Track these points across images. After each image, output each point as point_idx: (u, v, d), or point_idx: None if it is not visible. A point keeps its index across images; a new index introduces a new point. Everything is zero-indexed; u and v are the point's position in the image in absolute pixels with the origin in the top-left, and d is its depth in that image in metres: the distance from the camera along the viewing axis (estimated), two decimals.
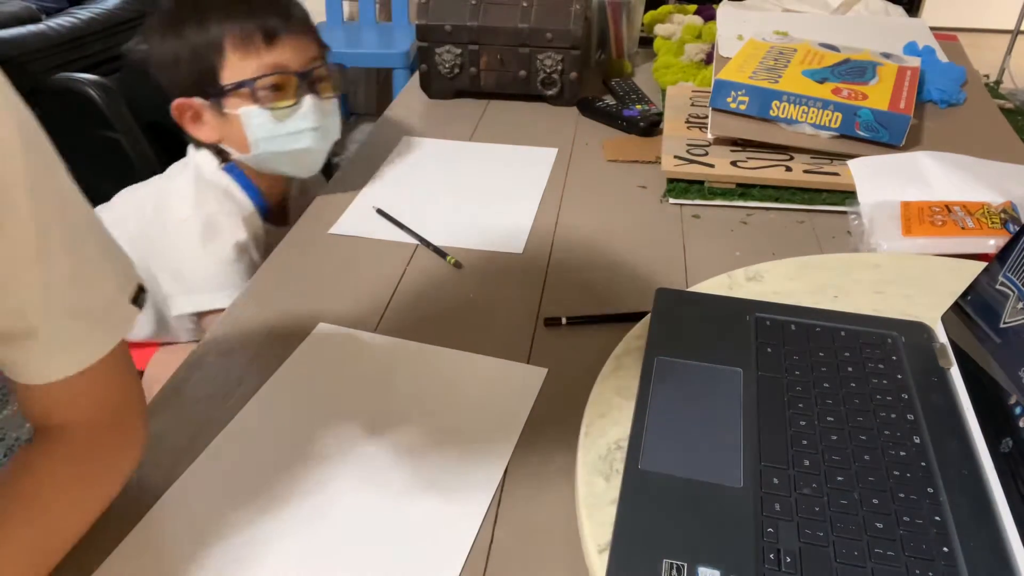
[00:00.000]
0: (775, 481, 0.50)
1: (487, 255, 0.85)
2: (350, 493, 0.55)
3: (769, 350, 0.61)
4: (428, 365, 0.68)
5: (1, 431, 1.63)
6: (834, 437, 0.53)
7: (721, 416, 0.55)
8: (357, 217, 0.92)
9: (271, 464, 0.57)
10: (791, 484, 0.49)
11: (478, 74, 1.24)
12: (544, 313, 0.75)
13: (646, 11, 1.46)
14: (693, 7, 1.51)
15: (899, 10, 1.54)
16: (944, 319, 0.64)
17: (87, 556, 0.50)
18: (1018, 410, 0.52)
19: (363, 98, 3.07)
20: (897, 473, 0.51)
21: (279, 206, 1.03)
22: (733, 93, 1.02)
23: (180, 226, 0.91)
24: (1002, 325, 0.59)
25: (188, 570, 0.49)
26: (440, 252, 0.84)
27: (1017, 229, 0.61)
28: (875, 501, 0.49)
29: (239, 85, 0.86)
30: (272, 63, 0.86)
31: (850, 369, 0.60)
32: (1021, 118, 1.19)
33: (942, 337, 0.64)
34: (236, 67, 0.86)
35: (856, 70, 1.08)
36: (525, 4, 1.19)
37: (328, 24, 2.81)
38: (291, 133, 0.88)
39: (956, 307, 0.63)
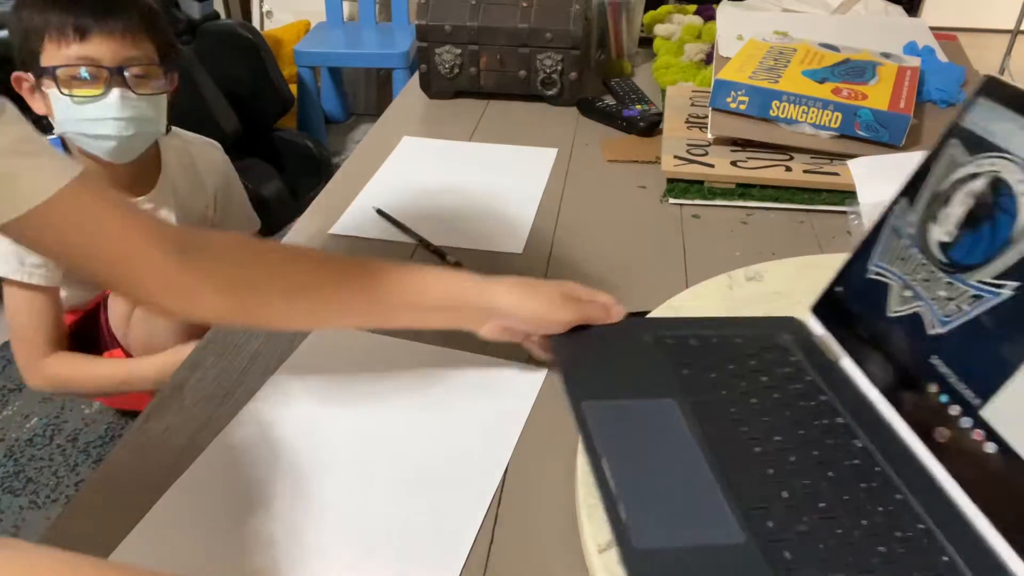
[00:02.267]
0: (769, 525, 0.48)
1: (487, 255, 0.85)
2: (350, 493, 0.55)
3: (686, 372, 0.59)
4: (428, 365, 0.68)
5: (1, 431, 1.63)
6: (792, 459, 0.52)
7: (682, 459, 0.52)
8: (357, 217, 0.92)
9: (271, 464, 0.57)
10: (785, 525, 0.48)
11: (478, 74, 1.24)
12: None
13: (646, 11, 1.46)
14: (693, 7, 1.51)
15: (899, 10, 1.54)
16: (816, 311, 0.65)
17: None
18: (944, 398, 0.53)
19: (363, 98, 3.07)
20: (864, 485, 0.51)
21: (110, 183, 1.07)
22: (733, 93, 1.02)
23: None
24: (891, 314, 0.59)
25: (189, 569, 0.49)
26: (440, 252, 0.84)
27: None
28: (864, 523, 0.48)
29: (48, 70, 0.96)
30: (81, 55, 0.96)
31: (764, 379, 0.59)
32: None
33: (819, 329, 0.64)
34: (51, 54, 0.96)
35: (856, 70, 1.08)
36: (525, 4, 1.19)
37: (328, 24, 2.81)
38: (92, 119, 0.98)
39: (828, 299, 0.64)
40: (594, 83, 1.31)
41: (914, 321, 0.57)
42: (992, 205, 0.55)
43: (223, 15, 2.64)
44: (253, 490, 0.55)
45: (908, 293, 0.59)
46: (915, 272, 0.59)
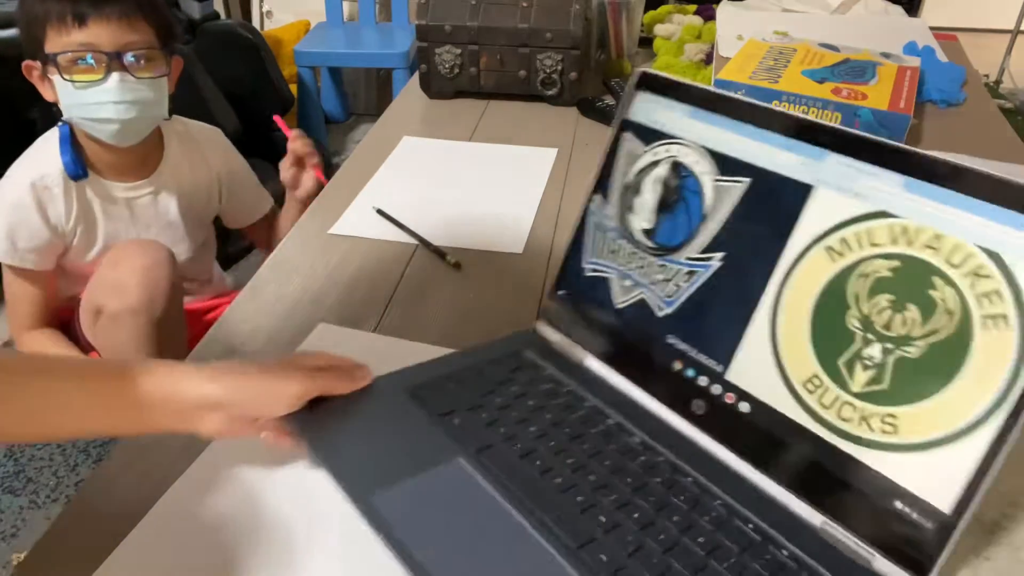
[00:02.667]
0: (603, 558, 0.47)
1: (487, 255, 0.85)
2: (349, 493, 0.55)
3: (457, 422, 0.56)
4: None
5: None
6: (592, 478, 0.52)
7: (494, 521, 0.49)
8: (357, 217, 0.92)
9: (271, 464, 0.57)
10: (616, 550, 0.47)
11: (478, 74, 1.24)
12: None
13: (646, 11, 1.46)
14: (693, 7, 1.51)
15: (899, 10, 1.54)
16: (546, 318, 0.66)
17: (86, 557, 0.50)
18: (690, 372, 0.56)
19: (363, 98, 3.07)
20: (659, 480, 0.52)
21: (114, 167, 1.12)
22: (733, 93, 1.02)
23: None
24: (618, 306, 0.62)
25: (188, 570, 0.49)
26: (440, 252, 0.84)
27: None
28: (676, 519, 0.49)
29: (51, 57, 0.99)
30: (81, 41, 0.98)
31: (531, 402, 0.58)
32: (1021, 118, 1.19)
33: (554, 336, 0.65)
34: (53, 40, 0.99)
35: (856, 70, 1.08)
36: (525, 4, 1.19)
37: (328, 24, 2.81)
38: (92, 103, 1.01)
39: (555, 303, 0.65)
40: (594, 83, 1.31)
41: (642, 307, 0.60)
42: (679, 187, 0.59)
43: (223, 15, 2.64)
44: (253, 491, 0.55)
45: (628, 283, 0.61)
46: (628, 261, 0.61)
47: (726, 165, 0.56)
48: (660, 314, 0.59)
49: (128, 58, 1.00)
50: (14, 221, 1.06)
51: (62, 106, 1.04)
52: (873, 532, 0.48)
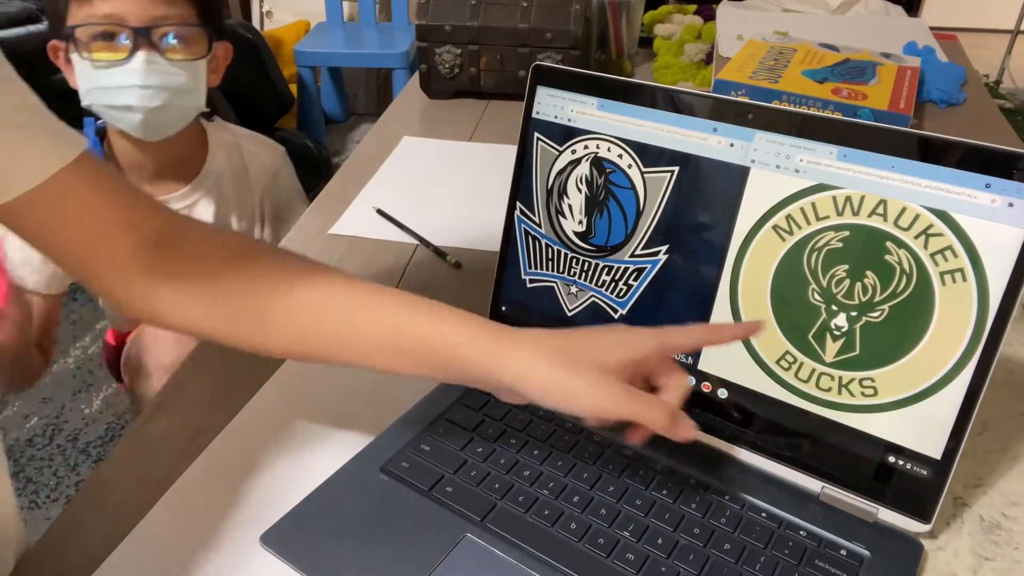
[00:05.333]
0: None
1: (487, 255, 0.85)
2: None
3: (449, 490, 0.52)
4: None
5: (1, 431, 1.63)
6: (620, 518, 0.51)
7: None
8: (357, 217, 0.92)
9: (271, 466, 0.57)
10: None
11: (478, 74, 1.24)
12: None
13: (646, 11, 1.46)
14: (693, 7, 1.51)
15: (899, 10, 1.54)
16: None
17: (86, 557, 0.50)
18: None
19: (363, 98, 3.07)
20: (665, 491, 0.52)
21: (145, 170, 0.98)
22: (733, 93, 1.02)
23: None
24: (571, 313, 0.60)
25: (188, 570, 0.49)
26: (440, 252, 0.84)
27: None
28: (697, 531, 0.49)
29: (69, 31, 0.86)
30: (105, 13, 0.85)
31: (513, 440, 0.56)
32: (1021, 118, 1.19)
33: None
34: (75, 13, 0.86)
35: (856, 70, 1.08)
36: (525, 4, 1.19)
37: (328, 24, 2.81)
38: (113, 87, 0.87)
39: (505, 321, 0.59)
40: None
41: (596, 311, 0.59)
42: (606, 184, 0.57)
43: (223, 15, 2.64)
44: (253, 491, 0.55)
45: (574, 289, 0.60)
46: (570, 267, 0.59)
47: (652, 155, 0.55)
48: (617, 315, 0.58)
49: (161, 36, 0.86)
50: None
51: (81, 91, 0.90)
52: (873, 488, 0.50)
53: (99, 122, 0.95)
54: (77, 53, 0.87)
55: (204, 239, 0.53)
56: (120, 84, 0.87)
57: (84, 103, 0.91)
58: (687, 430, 0.46)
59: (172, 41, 0.88)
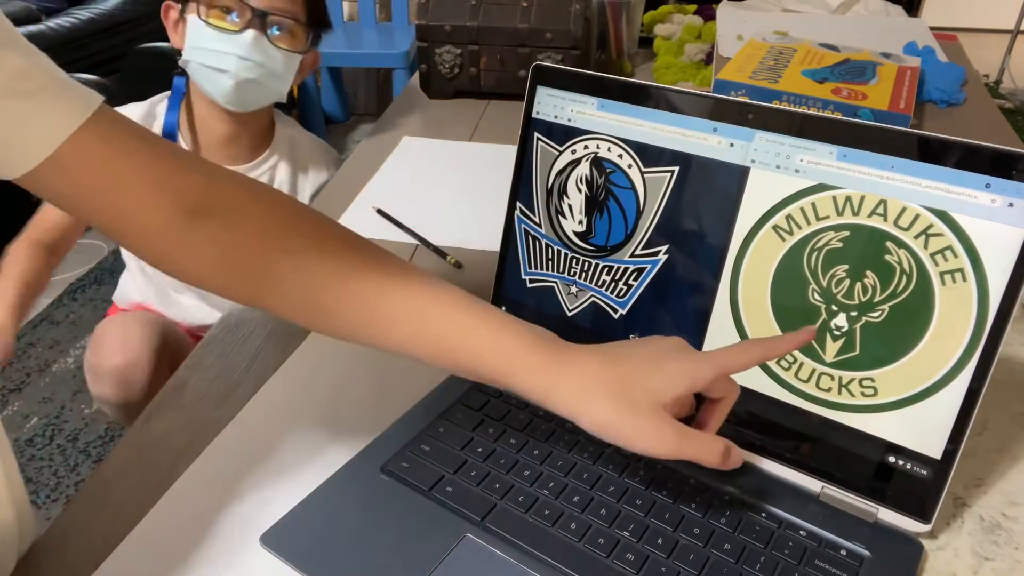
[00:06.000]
0: None
1: (487, 255, 0.84)
2: None
3: (449, 489, 0.52)
4: (428, 365, 0.67)
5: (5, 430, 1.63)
6: (620, 518, 0.50)
7: None
8: (357, 217, 0.92)
9: (271, 465, 0.57)
10: None
11: (478, 74, 1.24)
12: None
13: (646, 11, 1.46)
14: (693, 7, 1.51)
15: (899, 10, 1.54)
16: None
17: (86, 557, 0.50)
18: None
19: (363, 98, 3.07)
20: (665, 492, 0.52)
21: (217, 141, 1.08)
22: (733, 93, 1.02)
23: None
24: (571, 313, 0.60)
25: (188, 570, 0.49)
26: (440, 252, 0.84)
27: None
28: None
29: None
30: None
31: (513, 440, 0.56)
32: (1021, 118, 1.19)
33: None
34: None
35: (856, 70, 1.08)
36: (525, 4, 1.19)
37: None
38: (217, 51, 0.97)
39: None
40: None
41: (596, 311, 0.59)
42: (606, 184, 0.57)
43: None
44: (253, 492, 0.55)
45: (574, 288, 0.60)
46: (570, 267, 0.59)
47: (652, 155, 0.55)
48: (617, 315, 0.58)
49: (272, 23, 0.98)
50: None
51: (185, 48, 1.00)
52: (873, 488, 0.50)
53: (178, 77, 1.04)
54: (196, 14, 0.97)
55: (245, 205, 0.51)
56: (225, 50, 0.97)
57: (184, 57, 1.01)
58: (738, 460, 0.47)
59: (279, 31, 0.99)
